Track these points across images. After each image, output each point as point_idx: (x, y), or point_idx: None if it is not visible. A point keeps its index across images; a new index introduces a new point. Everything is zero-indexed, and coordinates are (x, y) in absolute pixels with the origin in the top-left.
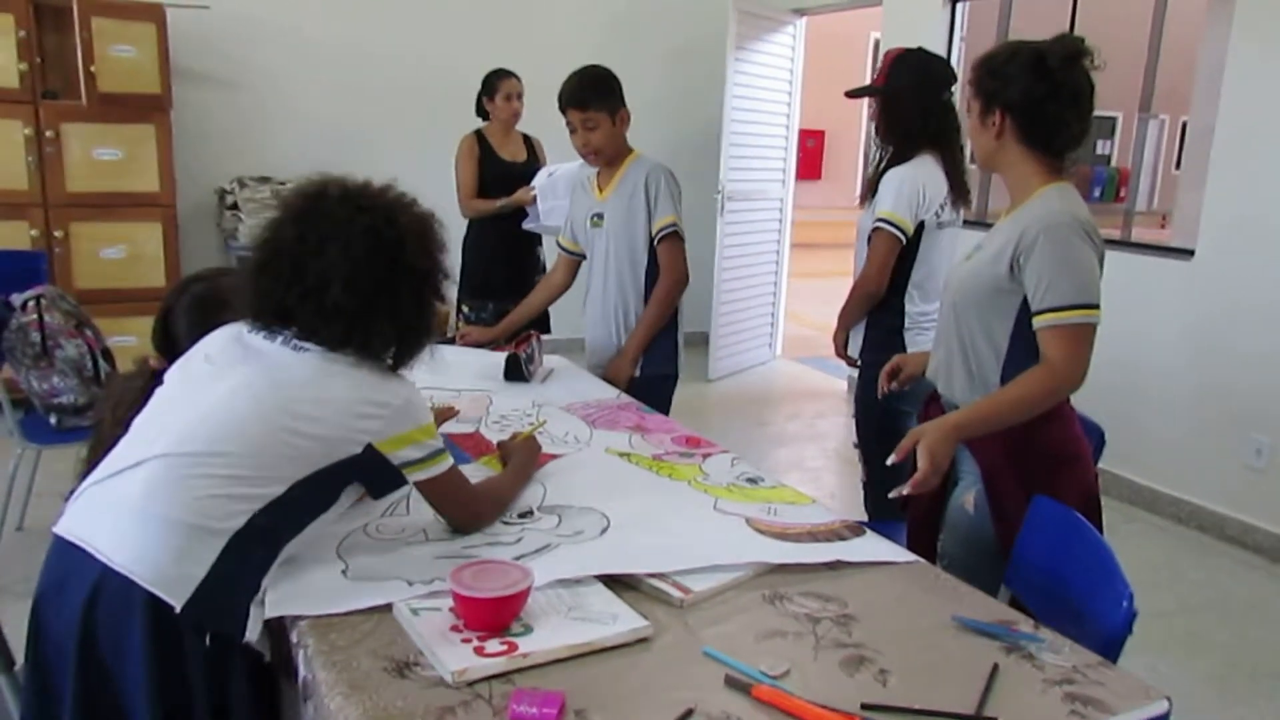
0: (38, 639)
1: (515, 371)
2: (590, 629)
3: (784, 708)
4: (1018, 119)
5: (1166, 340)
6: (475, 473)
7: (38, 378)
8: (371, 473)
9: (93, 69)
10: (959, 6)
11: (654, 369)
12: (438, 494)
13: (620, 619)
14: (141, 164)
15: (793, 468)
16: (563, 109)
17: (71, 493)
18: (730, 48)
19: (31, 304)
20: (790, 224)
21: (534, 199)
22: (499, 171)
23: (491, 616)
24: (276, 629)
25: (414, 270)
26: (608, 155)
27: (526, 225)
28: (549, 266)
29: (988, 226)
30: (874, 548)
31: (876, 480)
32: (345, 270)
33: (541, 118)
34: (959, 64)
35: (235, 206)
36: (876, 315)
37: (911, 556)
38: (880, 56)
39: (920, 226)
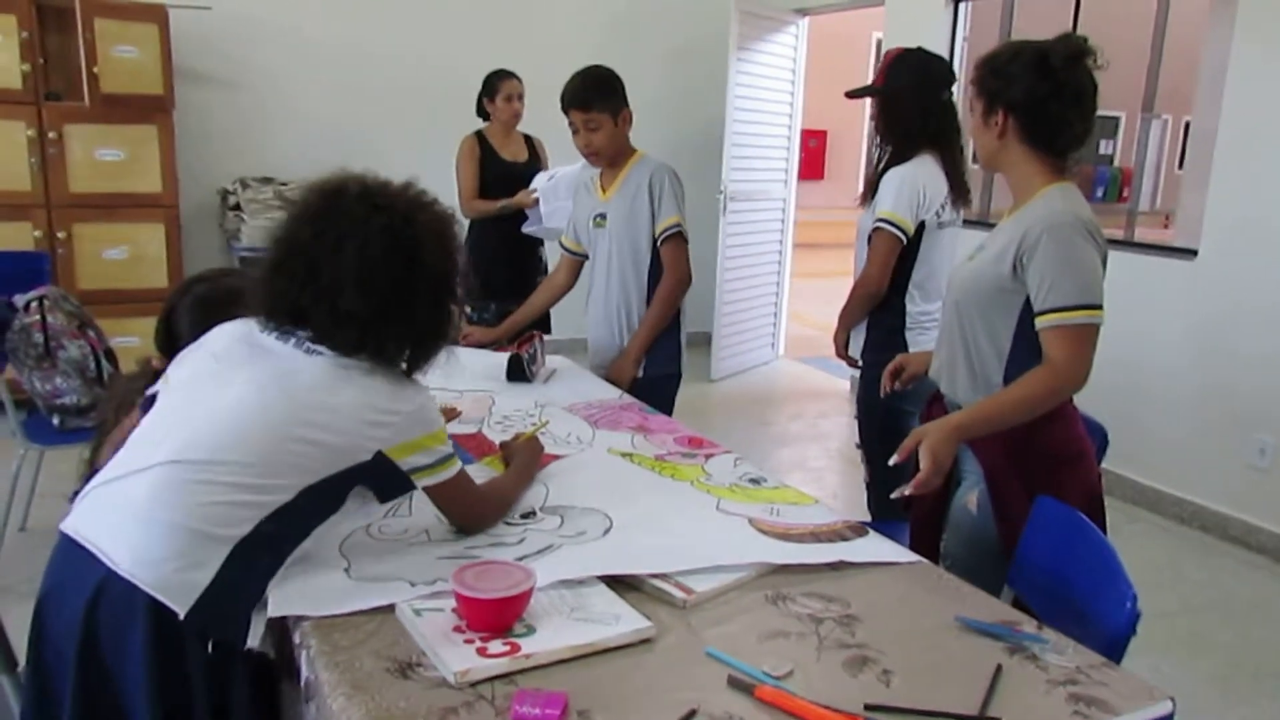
0: (40, 640)
1: (518, 372)
2: (593, 630)
3: (787, 708)
4: (1020, 119)
5: (1170, 340)
6: (478, 473)
7: (40, 378)
8: (380, 479)
9: (95, 70)
10: (961, 6)
11: (657, 369)
12: (444, 497)
13: (623, 620)
14: (144, 165)
15: (795, 468)
16: (565, 109)
17: (76, 493)
18: (732, 48)
19: (34, 305)
20: (792, 224)
21: (535, 201)
22: (500, 172)
23: (494, 617)
24: (279, 629)
25: (431, 272)
26: (610, 156)
27: (527, 229)
28: (551, 267)
29: (990, 226)
30: (877, 548)
31: (879, 480)
32: (361, 272)
33: (543, 118)
34: (961, 64)
35: (238, 207)
36: (877, 315)
37: (914, 557)
38: (882, 57)
39: (921, 226)
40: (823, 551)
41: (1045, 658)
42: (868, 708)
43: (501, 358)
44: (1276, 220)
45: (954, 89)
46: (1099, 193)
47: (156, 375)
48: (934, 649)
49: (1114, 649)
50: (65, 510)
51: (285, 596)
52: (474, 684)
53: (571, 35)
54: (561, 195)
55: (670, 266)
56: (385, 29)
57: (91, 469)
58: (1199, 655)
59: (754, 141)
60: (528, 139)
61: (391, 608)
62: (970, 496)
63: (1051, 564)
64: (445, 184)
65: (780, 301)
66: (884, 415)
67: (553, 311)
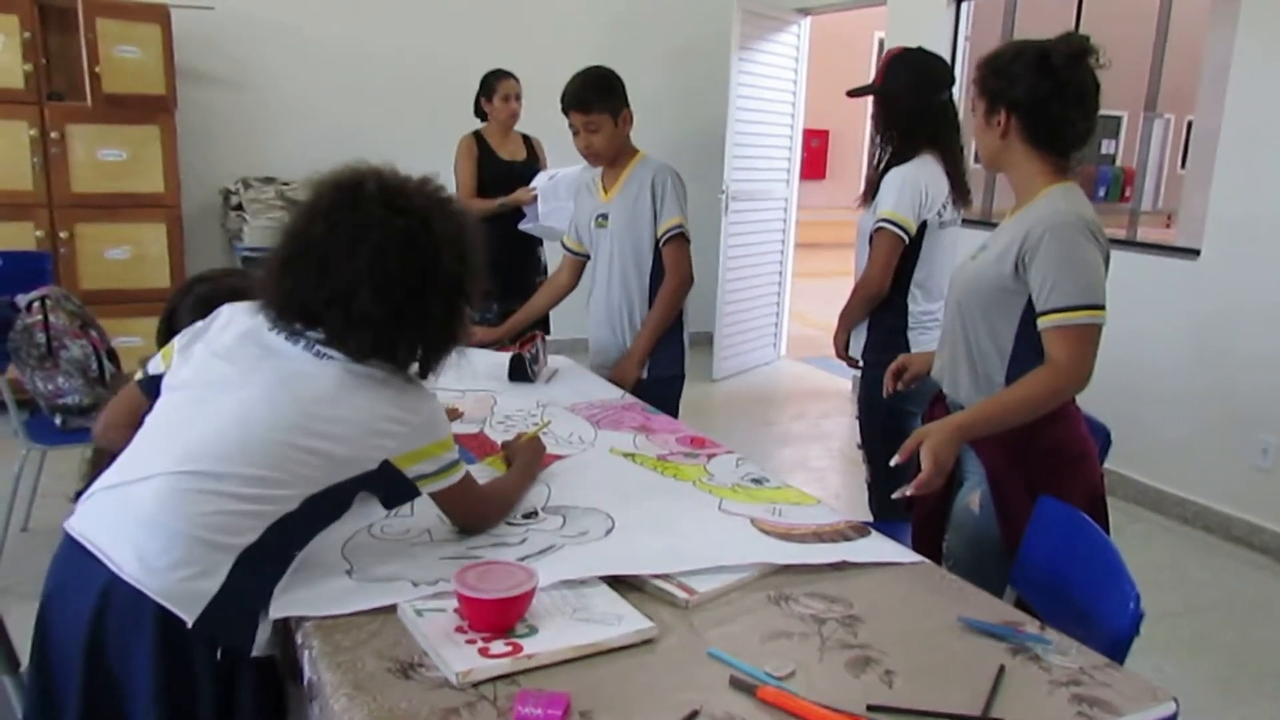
0: (44, 641)
1: (520, 372)
2: (595, 630)
3: (789, 709)
4: (1023, 118)
5: (1172, 340)
6: (480, 473)
7: (43, 378)
8: (386, 486)
9: (97, 70)
10: (964, 6)
11: (661, 370)
12: (449, 500)
13: (625, 620)
14: (146, 165)
15: (797, 468)
16: (565, 111)
17: (79, 494)
18: (734, 47)
19: (36, 305)
20: (794, 224)
21: (533, 198)
22: (498, 172)
23: (496, 617)
24: (282, 630)
25: (446, 276)
26: (610, 157)
27: (523, 226)
28: (549, 267)
29: (992, 226)
30: (879, 548)
31: (881, 480)
32: (375, 276)
33: (544, 118)
34: (963, 63)
35: (240, 207)
36: (879, 315)
37: (917, 557)
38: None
39: (923, 226)
40: (825, 552)
41: (1048, 658)
42: (870, 708)
43: (503, 357)
44: (1279, 220)
45: (953, 90)
46: (1101, 192)
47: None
48: (937, 650)
49: (1117, 649)
50: (68, 510)
51: (288, 598)
52: (476, 684)
53: (573, 35)
54: (562, 196)
55: (672, 267)
56: (387, 28)
57: (93, 469)
58: (1201, 656)
59: (756, 141)
60: (526, 139)
61: (393, 608)
62: (973, 497)
63: (1054, 564)
64: (446, 183)
65: (782, 301)
66: (885, 415)
67: (553, 311)
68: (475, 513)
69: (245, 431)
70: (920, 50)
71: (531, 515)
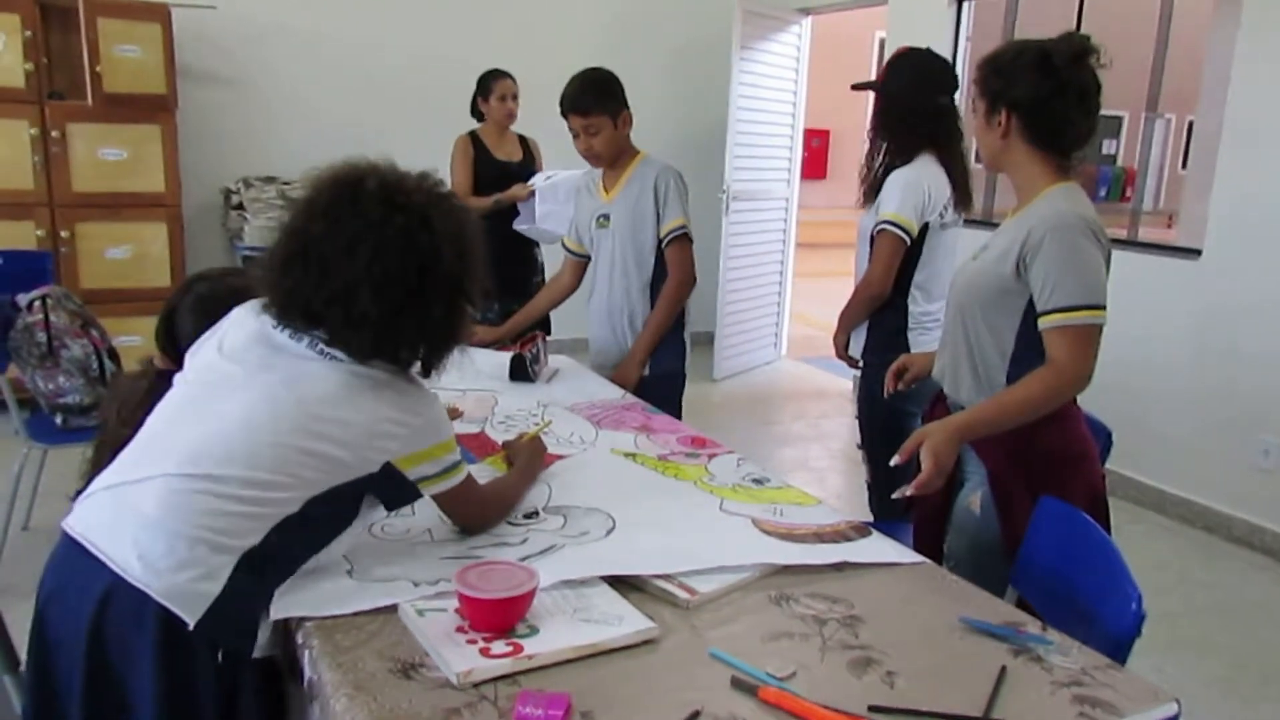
0: (43, 642)
1: (520, 372)
2: (596, 630)
3: (791, 709)
4: (1023, 118)
5: (1173, 340)
6: (480, 473)
7: (43, 377)
8: (388, 488)
9: (98, 69)
10: (965, 6)
11: (662, 367)
12: (450, 502)
13: (626, 620)
14: (147, 164)
15: (798, 468)
16: (564, 114)
17: (79, 493)
18: (735, 47)
19: (37, 304)
20: (795, 224)
21: (530, 194)
22: (495, 172)
23: (497, 618)
24: (282, 630)
25: (448, 276)
26: (611, 158)
27: (518, 225)
28: (546, 267)
29: (993, 226)
30: (880, 549)
31: (881, 481)
32: (375, 276)
33: (545, 118)
34: (964, 63)
35: (241, 206)
36: (879, 316)
37: (918, 558)
38: (886, 56)
39: (924, 227)
40: (826, 552)
41: (1050, 659)
42: (871, 709)
43: (504, 357)
44: None
45: (956, 95)
46: (1102, 192)
47: (158, 374)
48: (938, 650)
49: (1118, 650)
50: (68, 510)
51: (288, 598)
52: (477, 685)
53: (573, 35)
54: (560, 199)
55: (675, 268)
56: (388, 28)
57: (94, 469)
58: (1202, 657)
59: (756, 141)
60: (522, 139)
61: (394, 608)
62: (973, 497)
63: (1055, 565)
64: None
65: (783, 301)
66: (885, 415)
67: (553, 311)
68: (476, 513)
69: (247, 434)
70: (927, 52)
71: (532, 515)
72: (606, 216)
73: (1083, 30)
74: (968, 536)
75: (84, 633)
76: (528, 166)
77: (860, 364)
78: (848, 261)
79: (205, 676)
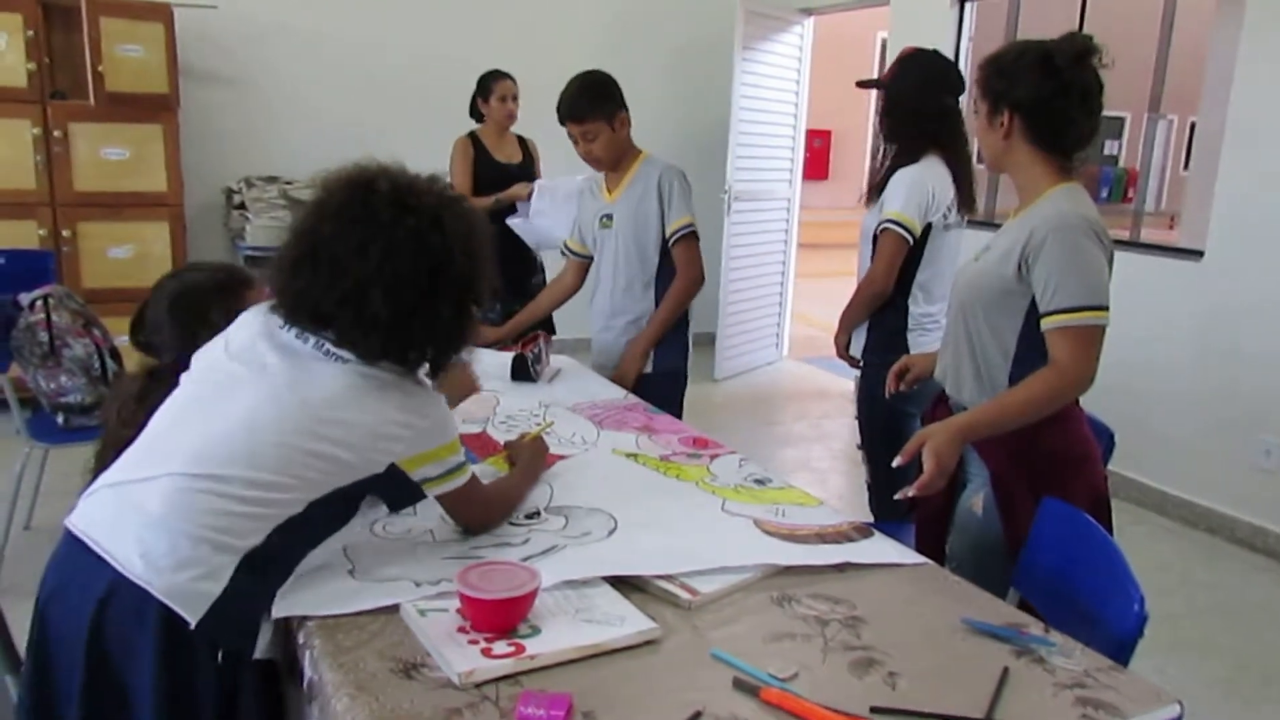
0: (43, 640)
1: (522, 372)
2: (598, 631)
3: (792, 710)
4: (1026, 118)
5: (1175, 341)
6: (482, 473)
7: (45, 377)
8: (392, 489)
9: (100, 69)
10: (967, 6)
11: (664, 365)
12: (453, 502)
13: (628, 621)
14: (149, 164)
15: (800, 468)
16: (561, 122)
17: (83, 491)
18: (737, 47)
19: (39, 303)
20: (797, 224)
21: (530, 194)
22: (494, 174)
23: (499, 618)
24: (283, 630)
25: (458, 277)
26: (613, 161)
27: (511, 221)
28: (546, 267)
29: (995, 226)
30: (882, 550)
31: (881, 481)
32: (386, 277)
33: (545, 118)
34: (967, 64)
35: (243, 206)
36: (879, 316)
37: (920, 559)
38: (888, 56)
39: (927, 228)
40: (828, 553)
41: (1052, 660)
42: (873, 710)
43: (506, 357)
44: None
45: (961, 98)
46: (1104, 193)
47: (158, 374)
48: (940, 651)
49: (1121, 652)
50: (71, 506)
51: (290, 598)
52: (478, 685)
53: (575, 35)
54: (559, 202)
55: (684, 266)
56: (389, 28)
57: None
58: (1205, 658)
59: (759, 141)
60: (522, 140)
61: (395, 608)
62: (976, 498)
63: (1058, 566)
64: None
65: (784, 301)
66: (885, 416)
67: (555, 311)
68: (479, 514)
69: (252, 435)
70: (934, 53)
71: (534, 515)
72: (609, 216)
73: (1085, 31)
74: (970, 537)
75: (84, 630)
76: (527, 168)
77: (860, 364)
78: (849, 262)
79: (205, 676)
